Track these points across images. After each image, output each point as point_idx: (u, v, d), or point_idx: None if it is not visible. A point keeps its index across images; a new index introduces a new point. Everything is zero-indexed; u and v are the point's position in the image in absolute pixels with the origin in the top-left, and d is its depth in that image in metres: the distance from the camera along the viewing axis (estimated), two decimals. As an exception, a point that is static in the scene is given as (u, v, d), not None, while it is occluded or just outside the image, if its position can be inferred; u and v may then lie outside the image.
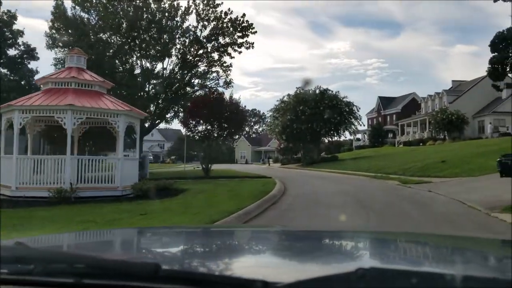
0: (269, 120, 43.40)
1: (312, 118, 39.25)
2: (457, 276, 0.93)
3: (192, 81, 26.79)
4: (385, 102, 76.26)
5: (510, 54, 32.91)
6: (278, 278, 0.98)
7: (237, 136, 20.81)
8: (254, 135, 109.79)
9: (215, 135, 21.32)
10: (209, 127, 21.16)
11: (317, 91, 41.48)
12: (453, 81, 64.70)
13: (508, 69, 33.34)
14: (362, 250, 1.90)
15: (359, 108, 40.98)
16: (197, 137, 21.57)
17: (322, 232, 2.53)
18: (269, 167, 44.95)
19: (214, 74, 27.17)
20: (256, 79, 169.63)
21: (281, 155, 76.53)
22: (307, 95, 40.84)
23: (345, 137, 48.74)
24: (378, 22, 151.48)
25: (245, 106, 22.08)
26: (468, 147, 30.72)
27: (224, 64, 26.98)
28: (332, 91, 41.47)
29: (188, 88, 26.43)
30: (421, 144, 54.19)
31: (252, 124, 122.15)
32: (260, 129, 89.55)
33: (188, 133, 21.52)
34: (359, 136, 76.17)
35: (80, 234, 2.57)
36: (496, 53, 33.13)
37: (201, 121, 20.39)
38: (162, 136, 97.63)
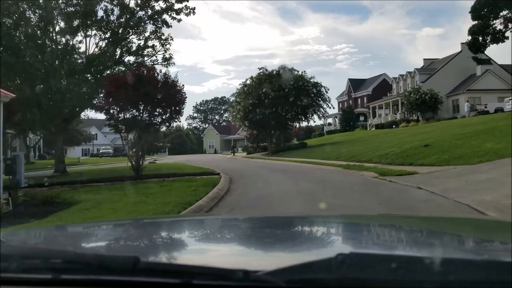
0: (231, 106, 38.77)
1: (277, 101, 34.88)
2: (436, 259, 0.92)
3: (124, 58, 21.95)
4: (355, 84, 72.58)
5: (492, 22, 29.17)
6: (258, 266, 0.97)
7: (175, 123, 16.23)
8: (224, 124, 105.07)
9: (147, 122, 16.66)
10: (135, 113, 16.50)
11: (281, 72, 37.10)
12: (424, 59, 61.28)
13: (489, 39, 29.63)
14: (342, 235, 1.83)
15: (328, 89, 36.88)
16: (121, 126, 16.86)
17: (300, 218, 2.46)
18: (233, 158, 40.48)
19: (153, 50, 22.31)
20: (228, 67, 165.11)
21: (250, 143, 72.37)
22: (271, 76, 36.45)
23: (314, 122, 44.50)
24: (347, 7, 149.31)
25: (182, 85, 16.26)
26: (449, 128, 26.94)
27: (162, 37, 22.17)
28: (298, 71, 37.19)
29: (121, 68, 21.57)
30: (394, 126, 50.71)
31: (222, 112, 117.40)
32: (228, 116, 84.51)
33: (109, 121, 16.73)
34: (330, 120, 72.61)
35: (58, 228, 2.32)
36: (477, 21, 29.37)
37: (124, 105, 15.73)
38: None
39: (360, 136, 41.55)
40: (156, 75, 16.43)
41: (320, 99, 36.93)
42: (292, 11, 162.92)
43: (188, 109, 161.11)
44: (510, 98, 39.59)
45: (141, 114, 16.53)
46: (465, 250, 1.44)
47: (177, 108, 16.69)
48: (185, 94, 16.74)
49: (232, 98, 38.16)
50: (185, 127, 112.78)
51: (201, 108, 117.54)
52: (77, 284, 1.03)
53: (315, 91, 36.55)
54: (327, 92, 36.98)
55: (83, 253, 1.19)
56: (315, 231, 1.94)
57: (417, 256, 1.13)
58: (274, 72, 36.90)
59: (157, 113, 16.64)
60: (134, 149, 16.80)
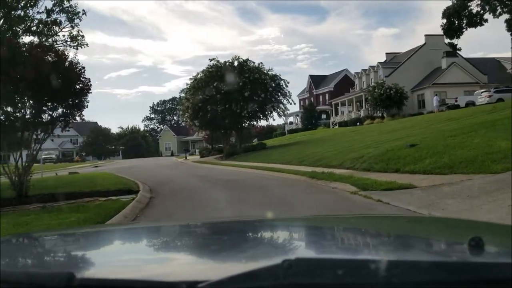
0: (180, 104, 33.70)
1: (230, 96, 30.12)
2: (381, 262, 0.92)
3: (22, 38, 16.57)
4: (316, 80, 68.80)
5: (468, 4, 25.45)
6: (202, 276, 0.92)
7: (77, 119, 11.23)
8: (182, 124, 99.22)
9: (29, 120, 11.54)
10: (8, 108, 11.36)
11: (235, 63, 32.37)
12: (387, 53, 58.01)
13: (465, 22, 25.92)
14: (289, 240, 1.72)
15: (288, 83, 32.45)
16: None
17: (245, 222, 2.29)
18: (183, 162, 35.39)
19: (58, 28, 17.01)
20: (188, 67, 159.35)
21: (208, 145, 67.90)
22: (223, 68, 31.66)
23: (274, 120, 40.01)
24: (305, 8, 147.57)
25: (83, 68, 9.89)
26: (429, 124, 23.00)
27: (68, 9, 16.94)
28: (254, 63, 32.55)
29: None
30: (358, 123, 47.01)
31: (181, 112, 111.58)
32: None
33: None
34: (291, 119, 68.66)
35: None
36: (452, 2, 25.62)
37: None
38: (75, 131, 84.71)
39: (323, 135, 37.41)
40: (45, 55, 11.32)
41: (279, 93, 32.44)
42: (251, 11, 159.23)
43: (145, 110, 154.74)
44: (483, 91, 36.50)
45: (19, 110, 11.39)
46: (412, 251, 1.40)
47: (76, 100, 11.66)
48: (89, 82, 11.77)
49: (182, 95, 32.98)
50: (142, 128, 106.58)
51: (158, 108, 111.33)
52: None
53: (273, 84, 32.05)
54: (287, 86, 32.60)
55: (9, 272, 1.09)
56: (262, 236, 1.83)
57: (363, 260, 1.12)
58: (227, 63, 32.12)
59: (46, 108, 11.55)
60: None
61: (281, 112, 33.18)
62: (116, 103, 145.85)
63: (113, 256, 1.54)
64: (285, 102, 32.61)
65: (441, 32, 27.03)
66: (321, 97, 67.34)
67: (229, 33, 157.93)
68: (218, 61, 32.03)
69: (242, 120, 32.08)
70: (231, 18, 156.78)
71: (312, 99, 67.13)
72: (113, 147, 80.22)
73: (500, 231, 1.75)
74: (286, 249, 1.53)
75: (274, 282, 0.87)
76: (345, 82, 63.21)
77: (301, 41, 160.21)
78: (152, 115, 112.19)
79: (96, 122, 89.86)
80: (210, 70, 31.78)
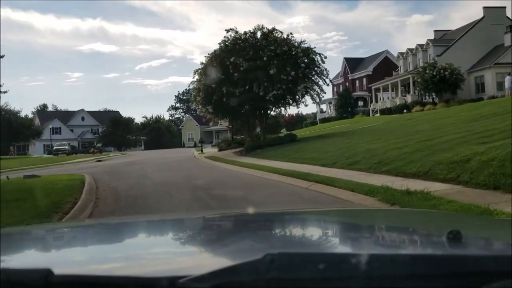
0: (191, 87, 26.99)
1: (251, 75, 23.28)
2: (362, 256, 0.91)
3: None
4: (352, 64, 61.02)
5: None
6: (184, 271, 0.90)
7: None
8: (197, 111, 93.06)
9: None
10: None
11: (258, 34, 25.40)
12: (435, 31, 49.80)
13: None
14: (271, 234, 1.68)
15: (325, 57, 25.26)
16: None
17: (228, 216, 2.26)
18: (194, 157, 28.81)
19: None
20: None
21: (234, 135, 62.10)
22: (242, 41, 24.79)
23: (306, 105, 32.87)
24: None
25: None
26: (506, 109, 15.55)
27: None
28: (281, 33, 25.50)
29: None
30: (405, 111, 39.49)
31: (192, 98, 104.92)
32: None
33: None
34: (323, 107, 61.38)
35: None
36: None
37: None
38: (95, 120, 79.85)
39: (366, 124, 30.17)
40: None
41: (313, 72, 25.36)
42: (281, 0, 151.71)
43: (170, 100, 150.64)
44: None
45: None
46: (393, 245, 1.42)
47: None
48: None
49: (196, 77, 26.35)
50: (167, 118, 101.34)
51: (184, 97, 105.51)
52: None
53: (306, 60, 24.97)
54: (323, 62, 25.40)
55: None
56: (244, 230, 1.77)
57: (344, 253, 1.12)
58: (247, 34, 25.18)
59: None
60: None
61: (315, 96, 26.10)
62: (147, 93, 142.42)
63: (91, 252, 1.48)
64: (320, 83, 25.48)
65: (503, 3, 19.55)
66: (357, 82, 59.65)
67: (258, 22, 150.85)
68: (236, 31, 25.17)
69: (267, 105, 25.14)
70: (260, 7, 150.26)
71: (347, 84, 59.50)
72: (134, 137, 74.81)
73: (480, 224, 1.77)
74: (269, 243, 1.49)
75: (256, 277, 0.87)
76: (385, 65, 55.37)
77: (331, 29, 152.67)
78: (178, 105, 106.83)
79: (118, 111, 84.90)
80: (226, 43, 24.98)
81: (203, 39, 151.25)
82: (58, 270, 0.90)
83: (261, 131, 26.78)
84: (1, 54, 23.74)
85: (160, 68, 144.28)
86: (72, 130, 77.06)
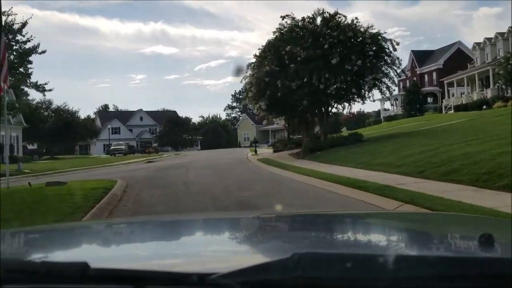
0: (244, 82, 24.18)
1: (310, 66, 20.12)
2: (389, 256, 0.92)
3: None
4: (420, 57, 55.72)
5: None
6: (213, 269, 0.92)
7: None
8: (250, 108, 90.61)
9: None
10: None
11: (318, 19, 22.13)
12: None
13: None
14: (298, 234, 1.72)
15: (397, 44, 21.55)
16: None
17: (255, 217, 2.21)
18: (247, 160, 26.04)
19: None
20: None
21: (290, 135, 59.42)
22: (300, 28, 21.63)
23: (373, 101, 29.21)
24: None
25: None
26: None
27: None
28: (345, 17, 22.06)
29: None
30: (484, 107, 34.56)
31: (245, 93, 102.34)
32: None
33: None
34: (387, 104, 56.66)
35: (1, 235, 1.95)
36: None
37: None
38: (153, 120, 79.79)
39: (442, 121, 25.99)
40: None
41: (383, 62, 21.74)
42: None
43: (228, 100, 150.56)
44: None
45: None
46: (418, 246, 1.40)
47: None
48: None
49: (249, 72, 23.58)
50: (223, 118, 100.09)
51: (240, 96, 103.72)
52: None
53: (374, 48, 21.41)
54: (395, 50, 21.70)
55: (27, 261, 1.13)
56: (270, 230, 1.83)
57: (371, 254, 1.11)
58: (305, 20, 21.99)
59: None
60: None
61: (384, 89, 22.45)
62: (206, 93, 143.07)
63: (125, 248, 1.53)
64: (391, 74, 21.79)
65: None
66: (426, 76, 54.40)
67: (318, 20, 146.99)
68: (293, 18, 22.06)
69: (328, 100, 21.81)
70: (319, 5, 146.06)
71: (414, 79, 54.45)
72: (190, 137, 73.74)
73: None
74: (296, 243, 1.50)
75: (283, 275, 0.87)
76: (458, 57, 49.84)
77: (392, 25, 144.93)
78: (234, 104, 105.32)
79: (175, 111, 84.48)
80: (281, 31, 21.96)
81: (260, 38, 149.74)
82: (94, 264, 0.93)
83: (321, 130, 23.48)
84: (44, 50, 22.22)
85: (218, 68, 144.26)
86: (131, 130, 77.37)
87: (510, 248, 1.22)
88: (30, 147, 52.77)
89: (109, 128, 67.25)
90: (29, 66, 23.03)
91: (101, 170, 23.91)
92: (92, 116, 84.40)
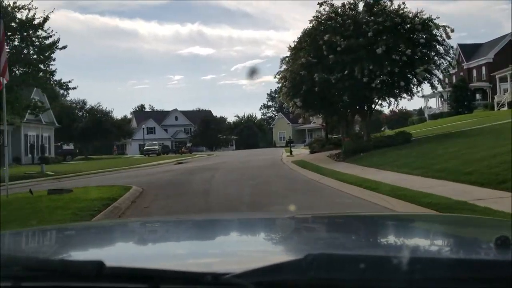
0: (278, 77, 21.90)
1: (352, 57, 17.73)
2: (403, 258, 0.92)
3: None
4: (468, 51, 51.73)
5: None
6: (227, 269, 0.92)
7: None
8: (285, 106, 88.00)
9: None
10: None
11: (360, 4, 19.65)
12: None
13: None
14: (312, 235, 1.73)
15: (452, 31, 18.78)
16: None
17: (269, 218, 2.28)
18: (281, 163, 23.81)
19: None
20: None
21: (328, 134, 56.94)
22: (340, 15, 19.24)
23: (422, 96, 26.26)
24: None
25: None
26: None
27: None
28: (390, 1, 19.45)
29: None
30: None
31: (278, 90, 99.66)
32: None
33: None
34: (431, 102, 52.98)
35: (19, 234, 2.02)
36: None
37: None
38: (188, 119, 78.84)
39: (498, 119, 22.87)
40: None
41: (435, 52, 19.05)
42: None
43: (264, 99, 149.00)
44: None
45: None
46: (432, 248, 1.39)
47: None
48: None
49: (283, 67, 21.40)
50: (259, 117, 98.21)
51: (276, 95, 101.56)
52: None
53: (425, 36, 18.75)
54: (449, 38, 18.95)
55: (44, 259, 1.14)
56: (284, 231, 1.81)
57: (385, 256, 1.10)
58: (346, 6, 19.56)
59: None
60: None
61: (436, 83, 19.72)
62: (242, 93, 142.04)
63: (140, 247, 1.54)
64: (444, 64, 19.03)
65: None
66: (474, 71, 50.47)
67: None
68: (332, 4, 19.67)
69: (372, 95, 19.29)
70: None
71: (461, 74, 50.60)
72: (224, 136, 72.22)
73: None
74: (309, 244, 1.50)
75: (297, 276, 0.87)
76: (510, 50, 45.82)
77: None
78: (270, 103, 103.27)
79: (210, 111, 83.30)
80: (319, 19, 19.63)
81: (296, 37, 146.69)
82: (109, 263, 0.94)
83: (365, 129, 20.92)
84: (65, 45, 20.80)
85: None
86: (166, 130, 76.67)
87: None
88: (66, 147, 52.57)
89: (143, 128, 66.63)
90: (52, 63, 21.69)
91: (127, 173, 22.38)
92: (129, 116, 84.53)
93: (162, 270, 0.96)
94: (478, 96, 48.49)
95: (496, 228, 1.74)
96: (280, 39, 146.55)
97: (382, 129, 49.72)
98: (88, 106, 50.71)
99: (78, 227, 2.27)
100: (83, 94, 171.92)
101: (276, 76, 21.91)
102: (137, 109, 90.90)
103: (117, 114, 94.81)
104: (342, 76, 17.83)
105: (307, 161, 19.29)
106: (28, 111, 21.96)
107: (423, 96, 26.90)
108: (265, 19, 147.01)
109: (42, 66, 21.01)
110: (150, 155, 51.25)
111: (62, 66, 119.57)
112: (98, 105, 50.59)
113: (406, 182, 9.67)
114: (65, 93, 23.83)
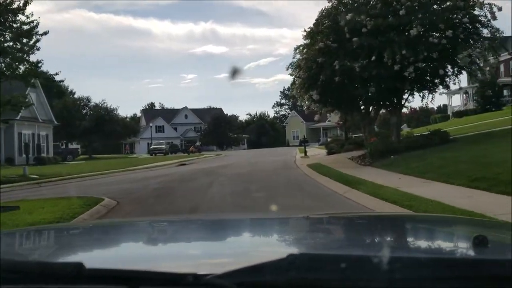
0: (291, 69, 18.77)
1: (380, 40, 14.62)
2: (383, 258, 0.92)
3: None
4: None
5: None
6: (208, 269, 0.92)
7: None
8: (314, 108, 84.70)
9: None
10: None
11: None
12: None
13: None
14: (293, 236, 1.73)
15: (500, 9, 15.55)
16: None
17: (251, 219, 2.24)
18: (294, 163, 20.72)
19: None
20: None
21: (345, 133, 53.67)
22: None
23: (459, 87, 22.86)
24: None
25: None
26: None
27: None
28: (426, -26, 16.22)
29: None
30: None
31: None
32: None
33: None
34: (454, 98, 49.35)
35: None
36: None
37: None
38: (198, 118, 76.12)
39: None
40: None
41: (478, 35, 15.84)
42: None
43: (276, 97, 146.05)
44: None
45: None
46: (412, 248, 1.39)
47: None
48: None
49: (297, 56, 18.28)
50: (272, 115, 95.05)
51: (289, 93, 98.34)
52: None
53: (468, 17, 15.52)
54: (495, 19, 15.72)
55: (22, 261, 1.12)
56: (266, 231, 1.81)
57: (365, 256, 1.10)
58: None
59: None
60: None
61: (477, 71, 16.52)
62: (255, 92, 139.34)
63: (119, 248, 1.51)
64: (492, 46, 15.83)
65: None
66: (502, 66, 46.70)
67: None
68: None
69: (404, 85, 16.07)
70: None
71: (488, 69, 46.86)
72: (236, 135, 69.32)
73: (506, 229, 1.73)
74: (290, 245, 1.50)
75: (278, 276, 0.87)
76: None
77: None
78: (283, 101, 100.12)
79: (221, 109, 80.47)
80: (340, -3, 16.49)
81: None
82: (89, 264, 0.93)
83: (395, 127, 17.72)
84: (46, 31, 18.09)
85: (268, 66, 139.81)
86: (175, 129, 74.04)
87: (504, 249, 1.21)
88: (71, 146, 50.19)
89: (150, 126, 64.05)
90: (36, 52, 19.00)
91: (118, 177, 19.60)
92: (139, 115, 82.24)
93: (142, 271, 0.95)
94: (506, 92, 44.84)
95: (474, 227, 1.72)
96: (294, 37, 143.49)
97: (402, 127, 46.54)
98: (92, 103, 48.22)
99: (58, 229, 2.21)
100: (96, 93, 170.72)
101: (289, 68, 18.84)
102: (147, 107, 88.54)
103: (128, 113, 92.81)
104: (368, 63, 14.72)
105: (325, 165, 16.23)
106: (9, 107, 19.34)
107: (460, 88, 23.54)
108: (279, 17, 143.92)
109: (21, 55, 18.35)
110: (157, 154, 48.66)
111: (74, 66, 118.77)
112: (102, 102, 48.07)
113: (478, 203, 6.59)
114: (73, 90, 21.57)
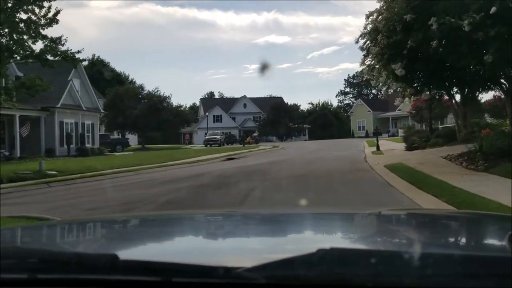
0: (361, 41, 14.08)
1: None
2: (414, 253, 0.92)
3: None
4: None
5: None
6: (239, 263, 0.94)
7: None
8: (381, 96, 77.78)
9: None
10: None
11: None
12: None
13: None
14: (323, 230, 1.73)
15: None
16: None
17: (281, 213, 2.24)
18: (364, 160, 16.02)
19: None
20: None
21: (417, 123, 47.93)
22: None
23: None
24: None
25: None
26: None
27: None
28: None
29: None
30: None
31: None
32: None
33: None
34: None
35: (35, 227, 2.05)
36: None
37: None
38: (257, 107, 72.38)
39: None
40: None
41: None
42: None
43: (340, 86, 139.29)
44: None
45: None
46: (445, 244, 1.38)
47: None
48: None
49: (370, 19, 13.43)
50: (335, 104, 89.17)
51: (354, 81, 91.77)
52: (53, 283, 0.96)
53: None
54: None
55: (59, 252, 1.15)
56: (296, 226, 1.79)
57: (396, 251, 1.11)
58: None
59: None
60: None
61: None
62: (318, 81, 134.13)
63: (153, 241, 1.53)
64: None
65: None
66: None
67: None
68: None
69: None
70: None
71: None
72: (296, 125, 64.81)
73: None
74: (321, 239, 1.51)
75: (308, 270, 0.88)
76: None
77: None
78: (347, 89, 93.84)
79: (281, 98, 76.14)
80: None
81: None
82: (123, 256, 0.96)
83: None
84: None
85: (331, 55, 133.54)
86: (233, 118, 70.90)
87: None
88: (126, 136, 48.43)
89: (207, 116, 61.21)
90: (54, 26, 15.89)
91: (147, 174, 16.17)
92: (198, 104, 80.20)
93: (174, 263, 0.97)
94: None
95: (509, 224, 1.68)
96: (359, 25, 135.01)
97: (483, 118, 39.86)
98: (145, 91, 45.90)
99: (93, 221, 2.25)
100: (160, 84, 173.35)
101: (359, 39, 14.10)
102: (206, 96, 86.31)
103: (188, 102, 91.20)
104: (482, 18, 9.78)
105: (411, 167, 11.50)
106: (23, 89, 16.48)
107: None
108: (344, 5, 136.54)
109: (34, 27, 15.27)
110: (212, 145, 45.58)
111: (140, 58, 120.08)
112: (156, 90, 45.59)
113: None
114: (133, 79, 19.05)
